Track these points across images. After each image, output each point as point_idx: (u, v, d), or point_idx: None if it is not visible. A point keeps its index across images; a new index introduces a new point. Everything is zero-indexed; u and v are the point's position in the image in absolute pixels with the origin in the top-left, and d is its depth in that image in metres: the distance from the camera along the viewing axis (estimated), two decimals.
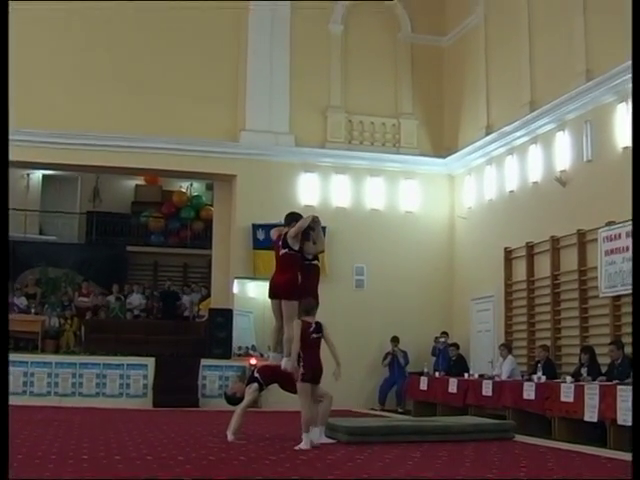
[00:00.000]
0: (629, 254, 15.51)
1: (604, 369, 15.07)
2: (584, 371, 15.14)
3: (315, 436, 11.22)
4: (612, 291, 16.23)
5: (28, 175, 30.19)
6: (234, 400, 12.25)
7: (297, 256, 12.16)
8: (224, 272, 22.84)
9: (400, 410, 20.76)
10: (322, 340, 11.40)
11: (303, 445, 10.94)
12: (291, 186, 22.06)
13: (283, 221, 12.53)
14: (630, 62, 15.41)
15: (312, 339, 11.34)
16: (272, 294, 12.23)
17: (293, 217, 12.45)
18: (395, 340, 21.59)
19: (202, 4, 22.37)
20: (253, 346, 21.88)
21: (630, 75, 15.70)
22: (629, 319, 15.34)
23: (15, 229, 25.75)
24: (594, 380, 14.35)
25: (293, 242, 12.06)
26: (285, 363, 11.63)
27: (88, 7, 21.77)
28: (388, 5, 23.73)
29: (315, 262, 12.41)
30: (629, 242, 15.51)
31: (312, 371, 11.29)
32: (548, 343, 17.86)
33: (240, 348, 21.75)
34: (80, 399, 19.74)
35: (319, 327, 11.44)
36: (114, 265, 29.24)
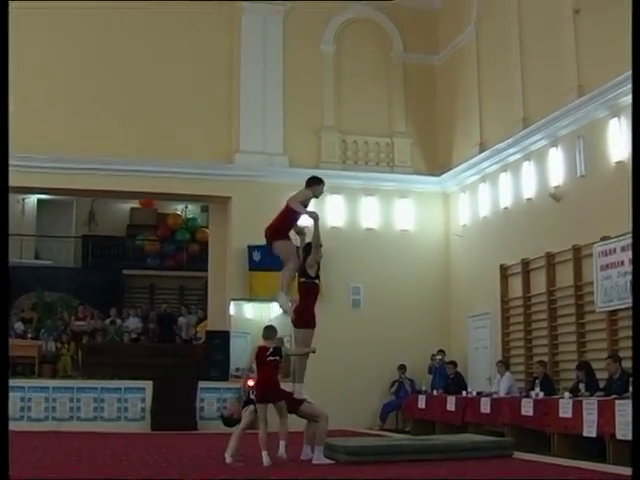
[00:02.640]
0: (624, 268, 15.51)
1: (602, 384, 15.06)
2: (582, 386, 15.13)
3: (266, 458, 11.27)
4: (608, 306, 16.20)
5: (23, 200, 30.19)
6: (231, 422, 12.23)
7: (314, 285, 12.17)
8: (220, 294, 22.84)
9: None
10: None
11: (264, 463, 11.18)
12: None
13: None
14: (621, 77, 15.56)
15: (268, 361, 11.61)
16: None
17: (313, 180, 12.42)
18: (402, 368, 21.68)
19: (195, 28, 22.54)
20: (251, 367, 21.81)
21: (621, 90, 15.83)
22: (626, 333, 15.34)
23: (11, 254, 25.64)
24: (592, 395, 14.34)
25: (311, 265, 12.06)
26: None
27: (83, 33, 21.95)
28: (380, 25, 23.86)
29: (316, 281, 12.38)
30: (624, 256, 15.52)
31: (264, 391, 11.58)
32: (545, 359, 17.84)
33: (237, 370, 21.71)
34: (78, 423, 19.71)
35: (277, 351, 11.64)
36: (110, 288, 29.21)
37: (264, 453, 11.26)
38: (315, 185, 12.30)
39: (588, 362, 15.99)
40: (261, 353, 11.65)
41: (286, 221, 12.06)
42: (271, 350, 11.61)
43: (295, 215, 12.05)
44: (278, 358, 11.65)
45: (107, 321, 25.40)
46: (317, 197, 12.50)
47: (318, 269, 12.38)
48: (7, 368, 8.00)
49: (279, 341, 12.14)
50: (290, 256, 11.95)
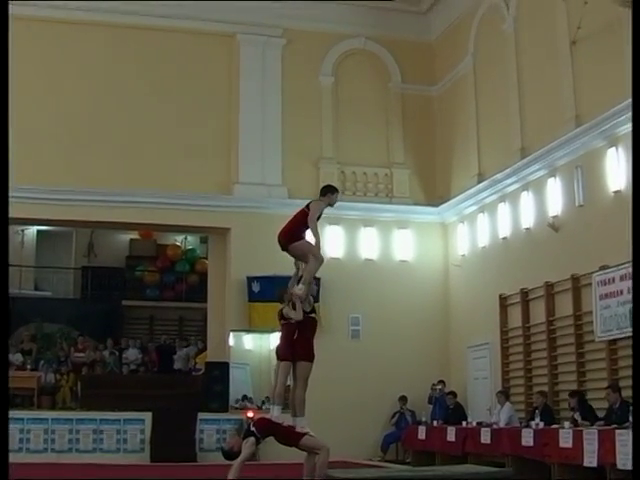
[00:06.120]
0: (624, 298, 15.53)
1: (602, 413, 15.04)
2: (577, 416, 15.13)
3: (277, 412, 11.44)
4: (608, 335, 16.20)
5: (23, 231, 30.20)
6: (232, 455, 12.13)
7: (310, 319, 12.06)
8: (220, 325, 22.79)
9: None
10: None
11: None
12: None
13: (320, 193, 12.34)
14: (618, 107, 15.65)
15: (281, 324, 11.84)
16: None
17: (328, 189, 12.32)
18: (403, 399, 21.66)
19: (194, 60, 22.67)
20: (250, 398, 21.80)
21: (618, 120, 15.92)
22: (626, 363, 15.34)
23: (10, 285, 25.71)
24: (592, 424, 14.32)
25: (304, 298, 11.96)
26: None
27: (82, 66, 22.07)
28: (378, 56, 23.99)
29: (312, 315, 12.32)
30: (623, 286, 15.54)
31: (280, 350, 11.84)
32: (545, 389, 17.81)
33: (237, 401, 21.67)
34: (77, 455, 19.60)
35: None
36: (110, 320, 29.18)
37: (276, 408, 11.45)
38: (329, 194, 12.28)
39: (581, 391, 16.00)
40: None
41: (301, 227, 12.02)
42: (281, 314, 11.85)
43: (308, 227, 12.03)
44: (284, 321, 11.77)
45: (106, 352, 25.35)
46: (332, 206, 12.50)
47: (314, 302, 12.36)
48: (8, 399, 8.01)
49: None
50: (309, 254, 11.90)
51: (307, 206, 12.05)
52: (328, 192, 12.27)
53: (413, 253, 23.26)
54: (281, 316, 11.90)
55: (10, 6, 9.78)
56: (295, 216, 12.11)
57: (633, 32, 13.69)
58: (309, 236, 11.99)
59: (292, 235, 11.96)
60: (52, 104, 21.78)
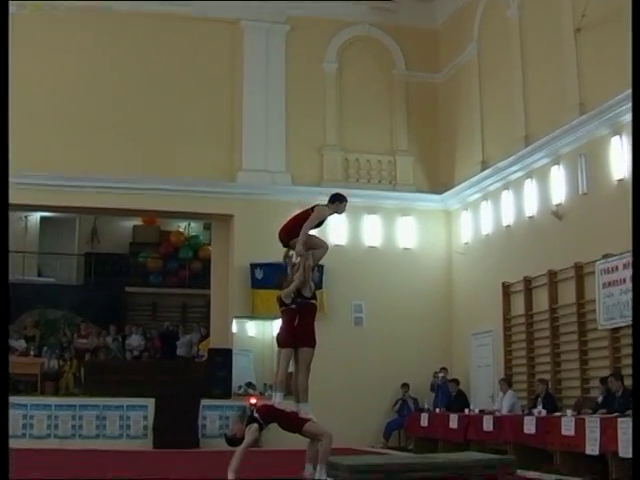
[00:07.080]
0: (627, 286, 15.52)
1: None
2: (600, 399, 15.11)
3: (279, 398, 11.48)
4: (611, 323, 16.21)
5: (26, 217, 30.17)
6: (235, 441, 12.13)
7: (311, 304, 12.06)
8: (223, 311, 22.82)
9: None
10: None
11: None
12: None
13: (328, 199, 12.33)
14: (622, 95, 15.62)
15: (281, 311, 11.77)
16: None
17: (336, 197, 12.27)
18: (406, 386, 21.69)
19: (198, 47, 22.64)
20: (253, 384, 21.83)
21: (622, 108, 15.88)
22: (628, 351, 15.33)
23: (13, 271, 25.74)
24: (594, 413, 14.34)
25: (304, 284, 11.98)
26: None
27: (85, 52, 22.04)
28: (382, 43, 23.95)
29: (313, 301, 12.32)
30: (626, 274, 15.52)
31: (281, 337, 11.81)
32: (548, 377, 17.82)
33: (240, 387, 21.71)
34: (80, 441, 19.66)
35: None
36: (113, 306, 29.15)
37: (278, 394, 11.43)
38: (337, 202, 12.29)
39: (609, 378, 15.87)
40: None
41: (299, 227, 12.04)
42: (280, 300, 11.79)
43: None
44: (284, 307, 11.74)
45: (109, 338, 25.37)
46: (339, 214, 12.52)
47: (317, 288, 12.37)
48: (7, 384, 8.00)
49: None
50: (312, 248, 11.94)
51: (312, 208, 12.06)
52: (336, 200, 12.28)
53: (416, 240, 23.25)
54: (281, 302, 11.89)
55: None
56: (298, 215, 12.13)
57: (633, 21, 13.65)
58: (312, 231, 12.00)
59: (292, 233, 11.98)
60: (55, 90, 21.78)
